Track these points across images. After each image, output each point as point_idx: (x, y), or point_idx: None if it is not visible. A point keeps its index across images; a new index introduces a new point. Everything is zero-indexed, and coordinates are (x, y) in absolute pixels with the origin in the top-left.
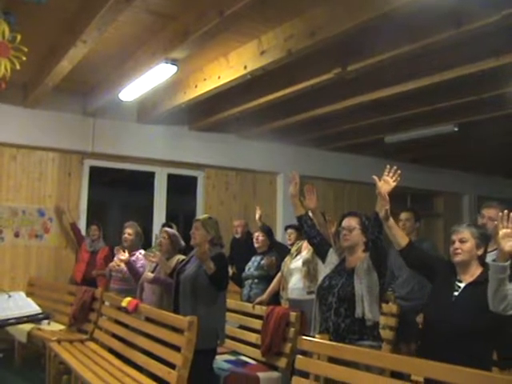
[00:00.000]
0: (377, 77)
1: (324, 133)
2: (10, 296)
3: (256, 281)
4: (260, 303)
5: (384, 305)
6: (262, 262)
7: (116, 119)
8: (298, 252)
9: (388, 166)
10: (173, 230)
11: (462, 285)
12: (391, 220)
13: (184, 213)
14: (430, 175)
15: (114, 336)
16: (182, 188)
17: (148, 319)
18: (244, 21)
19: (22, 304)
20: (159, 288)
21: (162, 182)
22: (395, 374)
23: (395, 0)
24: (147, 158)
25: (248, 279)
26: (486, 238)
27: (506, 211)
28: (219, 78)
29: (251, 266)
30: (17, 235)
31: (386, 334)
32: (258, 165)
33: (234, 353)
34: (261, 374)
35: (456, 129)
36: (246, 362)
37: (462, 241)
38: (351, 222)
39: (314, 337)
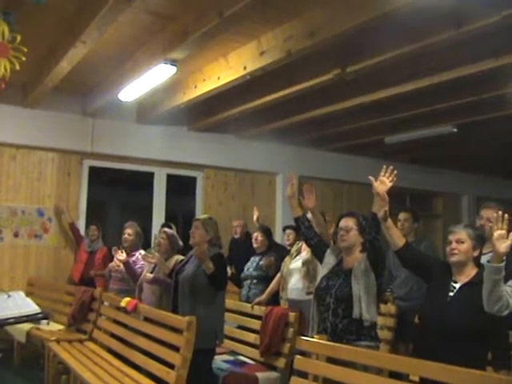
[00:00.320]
0: (376, 77)
1: (323, 133)
2: (9, 296)
3: (255, 281)
4: (259, 303)
5: (382, 305)
6: (261, 262)
7: (115, 119)
8: (298, 252)
9: (384, 167)
10: (171, 231)
11: (458, 285)
12: (389, 220)
13: (183, 213)
14: (429, 176)
15: (113, 336)
16: (181, 188)
17: (147, 319)
18: (243, 21)
19: (21, 304)
20: (159, 288)
21: (161, 182)
22: (393, 374)
23: (395, 1)
24: (146, 159)
25: (247, 279)
26: (482, 240)
27: (500, 212)
28: (219, 78)
29: (250, 267)
30: (16, 235)
31: (384, 334)
32: (257, 165)
33: (233, 353)
34: (259, 374)
35: (455, 129)
36: (245, 362)
37: (458, 241)
38: (348, 223)
39: (312, 337)
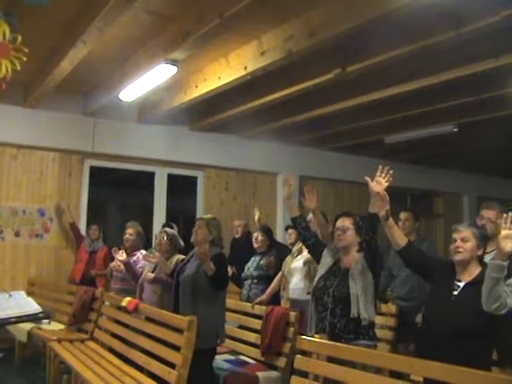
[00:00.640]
0: (377, 77)
1: (324, 133)
2: (10, 295)
3: (255, 281)
4: (260, 303)
5: (383, 305)
6: (262, 262)
7: (116, 119)
8: (299, 252)
9: (380, 167)
10: (172, 231)
11: (461, 284)
12: (391, 220)
13: (184, 213)
14: (430, 175)
15: (114, 336)
16: (182, 188)
17: (148, 319)
18: (244, 22)
19: (22, 303)
20: (160, 288)
21: (162, 182)
22: (394, 374)
23: (395, 1)
24: (147, 158)
25: (247, 279)
26: (485, 239)
27: (510, 214)
28: (219, 78)
29: (250, 266)
30: (17, 235)
31: (385, 333)
32: (258, 165)
33: (234, 352)
34: (260, 374)
35: (455, 129)
36: (246, 362)
37: (463, 240)
38: (345, 223)
39: (313, 337)
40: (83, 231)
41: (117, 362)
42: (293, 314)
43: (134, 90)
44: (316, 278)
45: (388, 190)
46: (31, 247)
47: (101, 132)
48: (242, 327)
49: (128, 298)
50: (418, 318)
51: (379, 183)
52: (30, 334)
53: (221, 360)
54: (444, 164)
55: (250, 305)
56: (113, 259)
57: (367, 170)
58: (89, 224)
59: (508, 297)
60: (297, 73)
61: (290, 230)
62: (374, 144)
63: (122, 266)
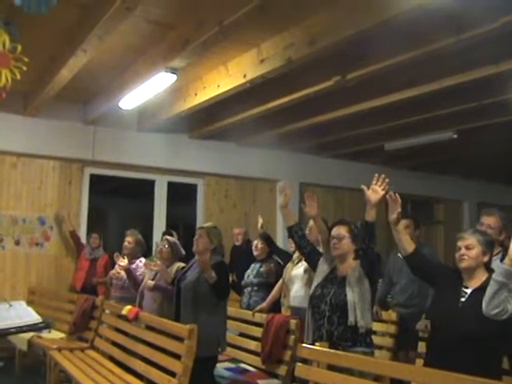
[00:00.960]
0: (377, 84)
1: (324, 140)
2: (10, 305)
3: (255, 288)
4: (260, 311)
5: (383, 312)
6: (261, 269)
7: (116, 127)
8: (300, 259)
9: (376, 175)
10: (173, 238)
11: (469, 290)
12: (400, 225)
13: (184, 220)
14: (430, 182)
15: (115, 344)
16: (181, 196)
17: (148, 327)
18: (243, 30)
19: (22, 313)
20: (160, 296)
21: (162, 189)
22: (395, 382)
23: (395, 8)
24: (147, 166)
25: (247, 287)
26: (491, 245)
27: None
28: (219, 86)
29: (250, 274)
30: (17, 243)
31: (385, 341)
32: (257, 172)
33: (234, 360)
34: (261, 382)
35: (455, 135)
36: (246, 370)
37: (468, 247)
38: (341, 231)
39: (313, 344)
40: (84, 239)
41: (117, 370)
42: (293, 322)
43: (134, 98)
44: (313, 286)
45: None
46: (31, 256)
47: (101, 140)
48: (242, 335)
49: (128, 307)
50: (419, 326)
51: (375, 191)
52: (30, 342)
53: (221, 368)
54: (444, 170)
55: (250, 312)
56: (113, 267)
57: (367, 176)
58: (89, 232)
59: (510, 303)
60: (296, 80)
61: None
62: (374, 151)
63: (123, 273)
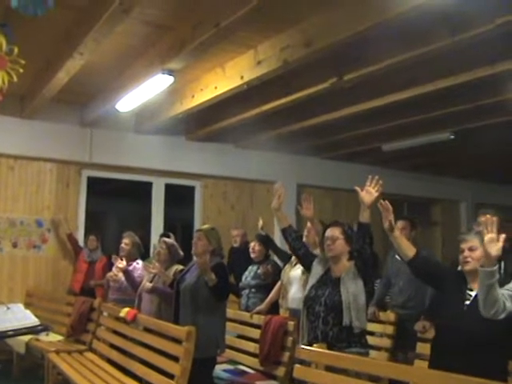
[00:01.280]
0: (373, 86)
1: (321, 141)
2: (8, 308)
3: (253, 290)
4: (258, 313)
5: (381, 313)
6: (259, 271)
7: (113, 130)
8: None
9: (370, 176)
10: (171, 240)
11: (474, 293)
12: (396, 231)
13: (182, 223)
14: (427, 183)
15: (113, 346)
16: (179, 198)
17: (146, 329)
18: (240, 31)
19: (20, 316)
20: (157, 298)
21: (159, 191)
22: (393, 382)
23: (391, 9)
24: (145, 168)
25: (245, 289)
26: None
27: (488, 216)
28: (216, 88)
29: (248, 276)
30: (15, 246)
31: (383, 342)
32: (255, 174)
33: (233, 362)
34: (259, 383)
35: (452, 136)
36: (245, 372)
37: (471, 249)
38: (334, 232)
39: (310, 346)
40: (82, 242)
41: (115, 373)
42: (291, 324)
43: (131, 100)
44: (307, 288)
45: (386, 197)
46: (29, 258)
47: (98, 142)
48: (240, 337)
49: (126, 309)
50: (417, 326)
51: (369, 193)
52: (28, 345)
53: (220, 370)
54: (441, 171)
55: (248, 314)
56: (111, 269)
57: (365, 178)
58: (87, 234)
59: (506, 300)
60: (293, 82)
61: None
62: (372, 152)
63: (120, 275)
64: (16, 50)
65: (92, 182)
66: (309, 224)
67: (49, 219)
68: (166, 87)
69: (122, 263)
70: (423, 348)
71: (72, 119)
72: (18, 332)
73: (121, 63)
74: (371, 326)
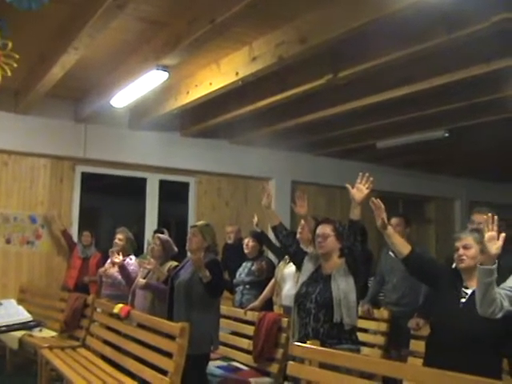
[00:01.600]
0: (368, 82)
1: (316, 138)
2: (1, 304)
3: (247, 287)
4: (252, 309)
5: (375, 310)
6: (253, 267)
7: (108, 125)
8: None
9: (360, 174)
10: (166, 236)
11: (469, 291)
12: (389, 229)
13: (176, 219)
14: (422, 180)
15: (106, 342)
16: (173, 194)
17: (140, 325)
18: (235, 27)
19: (13, 312)
20: (151, 294)
21: (153, 188)
22: (386, 380)
23: (386, 6)
24: (139, 164)
25: (239, 285)
26: None
27: (490, 214)
28: (211, 84)
29: (242, 272)
30: (8, 241)
31: (377, 339)
32: (250, 170)
33: (226, 358)
34: (253, 380)
35: (447, 134)
36: (238, 368)
37: (465, 247)
38: (325, 230)
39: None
40: (76, 237)
41: (109, 369)
42: (285, 320)
43: (126, 95)
44: (298, 285)
45: (380, 195)
46: (22, 254)
47: (92, 138)
48: (234, 333)
49: (120, 305)
50: (410, 323)
51: (359, 190)
52: (21, 341)
53: (213, 366)
54: (436, 169)
55: (242, 311)
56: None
57: (359, 175)
58: (81, 230)
59: (503, 299)
60: (288, 78)
61: None
62: (366, 149)
63: (113, 270)
64: (10, 44)
65: (86, 177)
66: (302, 221)
67: (42, 215)
68: (161, 83)
69: (118, 258)
70: (417, 345)
71: (66, 114)
72: (11, 328)
73: (115, 59)
74: (365, 323)
